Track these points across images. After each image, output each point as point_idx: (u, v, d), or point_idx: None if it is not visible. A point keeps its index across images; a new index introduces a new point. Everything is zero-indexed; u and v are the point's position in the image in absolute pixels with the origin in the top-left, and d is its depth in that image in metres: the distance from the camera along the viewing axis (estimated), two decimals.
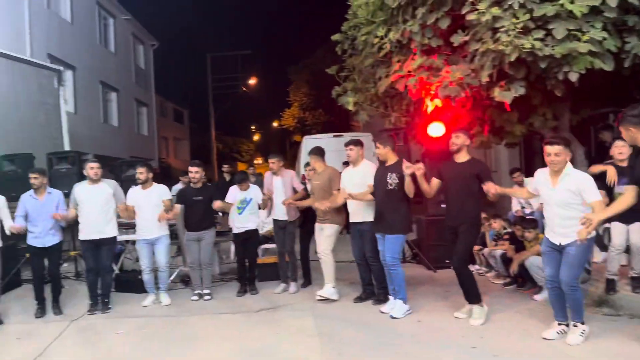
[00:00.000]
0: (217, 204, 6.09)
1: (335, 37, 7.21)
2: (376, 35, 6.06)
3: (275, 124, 40.47)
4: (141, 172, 5.96)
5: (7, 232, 5.53)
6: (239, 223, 6.37)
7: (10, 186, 7.13)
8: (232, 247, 7.72)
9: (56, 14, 15.75)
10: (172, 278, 6.73)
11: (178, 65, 31.89)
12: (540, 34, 4.68)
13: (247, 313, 5.49)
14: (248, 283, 6.38)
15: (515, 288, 5.90)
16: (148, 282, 6.06)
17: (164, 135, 30.24)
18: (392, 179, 5.07)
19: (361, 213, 5.46)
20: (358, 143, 5.60)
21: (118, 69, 20.43)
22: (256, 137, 48.21)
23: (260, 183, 7.02)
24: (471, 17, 4.93)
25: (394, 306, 5.10)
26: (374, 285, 5.63)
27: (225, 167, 11.26)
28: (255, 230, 6.54)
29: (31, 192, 5.69)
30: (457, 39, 5.29)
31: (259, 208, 6.48)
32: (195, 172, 6.10)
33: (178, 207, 6.11)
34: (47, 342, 4.74)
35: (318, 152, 6.02)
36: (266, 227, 7.68)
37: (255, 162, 39.67)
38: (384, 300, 5.41)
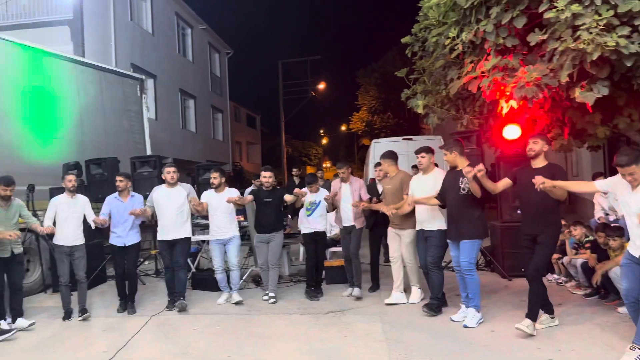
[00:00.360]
0: (288, 197, 6.24)
1: (405, 39, 7.14)
2: (448, 36, 5.93)
3: (343, 128, 40.66)
4: (215, 177, 6.22)
5: (92, 226, 5.95)
6: (308, 224, 6.46)
7: (97, 188, 7.70)
8: (302, 249, 7.85)
9: (139, 26, 16.80)
10: (244, 278, 6.94)
11: (251, 71, 32.92)
12: (626, 30, 4.38)
13: (316, 315, 5.56)
14: (315, 285, 6.45)
15: (598, 299, 5.55)
16: (221, 281, 6.30)
17: (238, 140, 31.30)
18: (464, 184, 4.95)
19: (430, 220, 5.40)
20: (429, 151, 5.55)
21: (195, 77, 21.42)
22: (324, 141, 48.65)
23: (327, 188, 7.08)
24: (549, 14, 4.71)
25: (467, 315, 4.97)
26: (444, 294, 5.51)
27: (294, 171, 11.47)
28: (323, 233, 6.60)
29: (116, 194, 6.11)
30: (534, 37, 5.07)
31: (328, 211, 6.55)
32: (268, 177, 6.29)
33: (205, 204, 6.24)
34: (129, 335, 5.05)
35: (391, 156, 5.99)
36: (334, 231, 7.73)
37: (323, 165, 40.05)
38: (437, 311, 5.31)
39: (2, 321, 5.30)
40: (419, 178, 5.65)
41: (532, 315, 4.56)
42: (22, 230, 5.77)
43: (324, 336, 4.83)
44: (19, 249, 5.46)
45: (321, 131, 48.27)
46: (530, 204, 4.66)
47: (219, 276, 6.29)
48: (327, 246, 7.15)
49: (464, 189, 4.95)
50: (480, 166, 4.70)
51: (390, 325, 5.04)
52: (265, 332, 5.03)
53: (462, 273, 5.07)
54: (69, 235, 5.75)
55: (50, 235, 5.85)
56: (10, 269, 5.40)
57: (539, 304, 4.60)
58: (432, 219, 5.39)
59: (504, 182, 4.88)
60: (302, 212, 6.57)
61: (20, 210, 5.51)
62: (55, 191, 6.86)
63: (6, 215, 5.30)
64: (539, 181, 4.21)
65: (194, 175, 8.60)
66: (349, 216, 6.25)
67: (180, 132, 19.61)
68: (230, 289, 6.31)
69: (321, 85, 32.86)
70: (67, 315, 5.74)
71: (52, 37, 12.25)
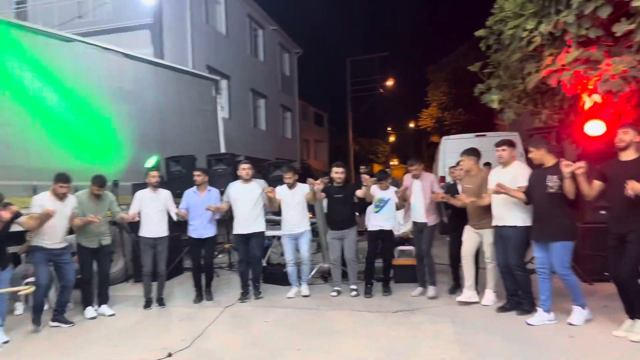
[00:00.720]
0: (360, 192, 6.19)
1: (480, 32, 6.94)
2: (525, 28, 5.72)
3: (411, 125, 40.02)
4: (289, 177, 6.36)
5: (175, 219, 6.27)
6: (375, 221, 6.42)
7: (176, 184, 8.11)
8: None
9: (213, 28, 17.45)
10: (312, 273, 7.04)
11: (319, 70, 33.21)
12: None
13: (384, 313, 5.54)
14: (383, 284, 6.43)
15: None
16: (291, 275, 6.45)
17: (306, 138, 31.75)
18: (552, 182, 4.70)
19: (506, 216, 5.17)
20: (511, 144, 5.30)
21: (266, 77, 21.97)
22: (392, 139, 48.14)
23: (395, 185, 7.01)
24: (637, 3, 4.41)
25: (574, 312, 4.78)
26: (518, 296, 5.30)
27: (362, 168, 11.44)
28: (391, 231, 6.54)
29: (194, 188, 6.41)
30: (621, 28, 4.77)
31: (397, 208, 6.48)
32: (341, 173, 6.32)
33: (279, 199, 6.28)
34: (204, 325, 5.29)
35: (473, 152, 5.75)
36: (402, 229, 7.65)
37: (390, 163, 39.66)
38: (529, 311, 5.08)
39: (90, 307, 5.73)
40: (497, 172, 5.39)
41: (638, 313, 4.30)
42: (113, 224, 6.22)
43: (392, 334, 4.81)
44: (107, 241, 5.88)
45: (388, 128, 47.80)
46: (619, 200, 4.27)
47: (291, 269, 6.43)
48: (396, 244, 7.08)
49: (552, 187, 4.70)
50: (582, 163, 4.43)
51: (461, 327, 4.92)
52: (334, 328, 5.08)
53: (546, 275, 4.85)
54: (153, 227, 6.10)
55: (134, 228, 6.25)
56: (99, 259, 5.84)
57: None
58: (510, 214, 5.13)
59: (597, 185, 4.52)
60: (369, 209, 6.55)
61: (110, 205, 5.94)
62: (138, 187, 7.31)
63: (96, 208, 5.72)
64: (637, 187, 3.93)
65: (264, 172, 8.83)
66: (420, 213, 6.14)
67: (251, 130, 20.19)
68: (300, 282, 6.44)
69: (389, 82, 32.57)
70: (148, 304, 6.11)
71: (135, 41, 13.00)
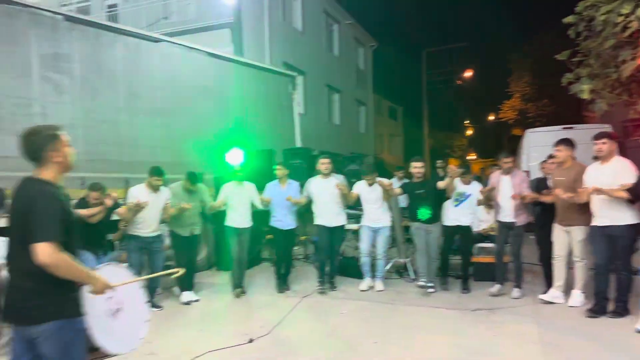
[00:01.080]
0: (441, 183, 6.04)
1: (568, 19, 6.56)
2: (620, 13, 5.33)
3: (491, 118, 38.41)
4: (369, 179, 6.35)
5: (260, 206, 6.49)
6: (453, 215, 6.27)
7: (256, 177, 8.38)
8: None
9: (290, 25, 17.77)
10: (387, 268, 7.03)
11: (394, 63, 32.70)
12: None
13: (463, 311, 5.42)
14: (462, 281, 6.28)
15: None
16: (365, 265, 6.50)
17: (379, 132, 31.50)
18: None
19: (615, 215, 4.79)
20: (611, 137, 4.92)
21: (341, 72, 22.04)
22: (469, 132, 46.52)
23: (479, 181, 6.79)
24: None
25: None
26: (608, 299, 4.97)
27: (439, 163, 11.20)
28: (469, 227, 6.36)
29: (276, 181, 6.63)
30: None
31: (478, 205, 6.29)
32: (420, 167, 6.21)
33: (355, 194, 6.38)
34: (283, 314, 5.45)
35: (568, 143, 5.38)
36: (482, 225, 7.41)
37: (467, 158, 38.41)
38: (622, 314, 4.77)
39: (186, 292, 6.08)
40: (595, 168, 5.02)
41: None
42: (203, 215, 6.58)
43: (471, 333, 4.70)
44: (197, 231, 6.28)
45: (466, 122, 46.21)
46: None
47: (364, 259, 6.47)
48: (475, 241, 6.87)
49: None
50: None
51: (546, 328, 4.71)
52: (410, 323, 5.05)
53: None
54: (238, 219, 6.38)
55: (217, 219, 6.55)
56: (189, 247, 6.20)
57: None
58: (619, 213, 4.75)
59: None
60: (448, 203, 6.40)
61: (202, 195, 6.31)
62: (219, 179, 7.64)
63: (189, 199, 6.08)
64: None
65: (340, 167, 8.90)
66: (508, 211, 5.86)
67: (326, 125, 20.37)
68: (374, 276, 6.46)
69: (467, 74, 31.50)
70: (232, 290, 6.38)
71: (216, 39, 13.53)
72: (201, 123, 8.56)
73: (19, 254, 2.29)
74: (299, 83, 16.76)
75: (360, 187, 6.48)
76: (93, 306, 2.47)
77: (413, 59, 30.27)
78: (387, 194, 6.23)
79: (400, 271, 7.18)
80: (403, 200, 7.05)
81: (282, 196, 6.45)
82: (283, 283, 6.58)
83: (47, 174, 2.38)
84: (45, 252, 2.17)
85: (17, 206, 2.35)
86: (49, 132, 2.42)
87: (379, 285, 6.40)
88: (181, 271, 3.18)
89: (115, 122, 7.04)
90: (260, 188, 6.73)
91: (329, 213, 6.39)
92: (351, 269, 7.08)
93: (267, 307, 5.84)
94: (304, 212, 7.21)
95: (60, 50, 6.45)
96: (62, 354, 2.31)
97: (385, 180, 6.23)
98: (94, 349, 2.49)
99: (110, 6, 16.64)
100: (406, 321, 5.11)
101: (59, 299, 2.31)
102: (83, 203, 5.47)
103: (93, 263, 5.17)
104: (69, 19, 6.71)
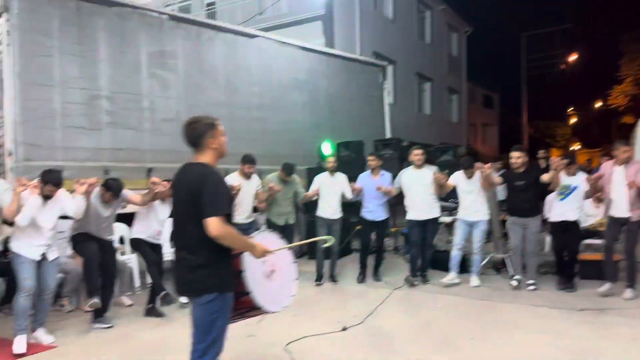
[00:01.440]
0: (545, 177, 5.73)
1: None
2: None
3: (598, 105, 35.37)
4: (469, 173, 6.16)
5: (350, 196, 6.49)
6: (558, 210, 5.89)
7: (346, 168, 8.42)
8: (548, 239, 7.23)
9: (380, 14, 17.56)
10: (483, 263, 6.76)
11: (490, 48, 31.14)
12: None
13: (568, 310, 5.08)
14: (566, 279, 5.89)
15: None
16: (454, 258, 6.32)
17: (472, 121, 30.24)
18: None
19: None
20: None
21: (432, 59, 21.41)
22: (572, 120, 43.20)
23: (587, 172, 6.30)
24: None
25: None
26: None
27: (540, 153, 10.55)
28: (575, 223, 5.93)
29: (368, 172, 6.63)
30: None
31: (585, 197, 5.85)
32: (517, 157, 5.89)
33: (450, 186, 6.19)
34: (375, 304, 5.44)
35: None
36: (590, 221, 6.89)
37: (571, 148, 35.78)
38: None
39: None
40: None
41: None
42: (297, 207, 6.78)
43: (575, 334, 4.40)
44: (292, 220, 6.52)
45: (570, 109, 42.95)
46: None
47: (455, 252, 6.30)
48: (582, 237, 6.40)
49: None
50: None
51: None
52: (509, 321, 4.83)
53: None
54: (330, 209, 6.48)
55: (308, 209, 6.68)
56: (284, 236, 6.37)
57: None
58: None
59: None
60: (551, 196, 6.01)
61: (296, 187, 6.51)
62: (311, 171, 7.79)
63: (284, 190, 6.32)
64: None
65: (432, 157, 8.66)
66: (622, 206, 5.40)
67: (415, 115, 19.93)
68: (469, 271, 6.29)
69: (572, 57, 29.24)
70: (319, 279, 6.51)
71: (308, 32, 13.72)
72: (294, 116, 8.75)
73: (186, 232, 2.59)
74: (389, 72, 16.56)
75: (458, 179, 6.27)
76: (252, 270, 2.77)
77: (511, 43, 28.67)
78: (488, 182, 5.97)
79: (498, 267, 6.89)
80: (501, 193, 6.72)
81: (373, 187, 6.41)
82: (366, 274, 6.57)
83: (205, 158, 2.65)
84: (216, 226, 2.45)
85: (183, 188, 2.62)
86: (208, 121, 2.68)
87: (474, 280, 6.18)
88: (332, 240, 3.39)
89: (216, 116, 7.38)
90: (351, 179, 6.75)
91: (422, 205, 6.25)
92: (443, 263, 6.89)
93: (358, 297, 5.87)
94: (395, 203, 7.13)
95: (166, 48, 6.90)
96: (209, 322, 2.57)
97: (485, 166, 5.94)
98: (253, 308, 2.83)
99: (208, 4, 17.46)
100: (504, 319, 4.90)
101: (219, 272, 2.58)
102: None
103: None
104: (174, 18, 7.14)
